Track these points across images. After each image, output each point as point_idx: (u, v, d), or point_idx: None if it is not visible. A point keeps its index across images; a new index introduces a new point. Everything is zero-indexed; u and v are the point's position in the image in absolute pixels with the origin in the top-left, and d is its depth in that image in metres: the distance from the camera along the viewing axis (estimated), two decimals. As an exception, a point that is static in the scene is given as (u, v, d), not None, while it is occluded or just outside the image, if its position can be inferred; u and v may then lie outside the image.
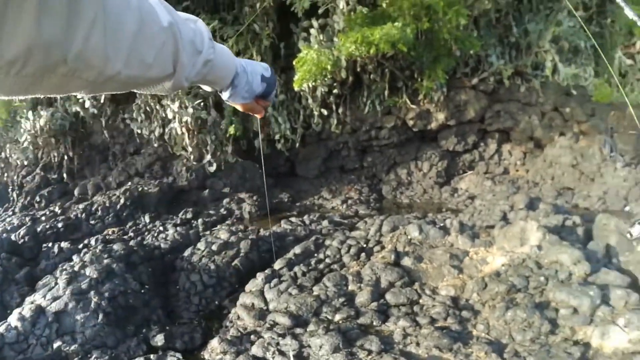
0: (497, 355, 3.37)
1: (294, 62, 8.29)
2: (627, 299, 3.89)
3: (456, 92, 10.38)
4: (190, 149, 9.08)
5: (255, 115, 1.14)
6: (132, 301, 4.74)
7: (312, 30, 8.85)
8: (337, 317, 4.04)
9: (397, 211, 8.51)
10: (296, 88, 8.50)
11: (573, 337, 3.62)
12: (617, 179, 9.37)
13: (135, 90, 0.75)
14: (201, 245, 5.93)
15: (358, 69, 9.49)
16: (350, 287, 4.57)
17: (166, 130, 9.13)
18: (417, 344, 3.56)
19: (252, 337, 3.95)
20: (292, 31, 9.20)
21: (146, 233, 7.01)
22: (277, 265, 5.17)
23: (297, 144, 9.82)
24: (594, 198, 8.95)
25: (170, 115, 8.89)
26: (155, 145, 9.39)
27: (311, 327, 3.89)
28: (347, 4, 8.70)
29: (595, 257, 4.86)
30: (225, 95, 1.02)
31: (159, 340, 4.31)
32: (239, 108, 1.09)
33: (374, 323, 3.97)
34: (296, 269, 5.03)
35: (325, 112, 9.74)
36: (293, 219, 7.29)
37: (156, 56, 0.68)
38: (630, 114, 10.74)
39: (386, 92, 9.79)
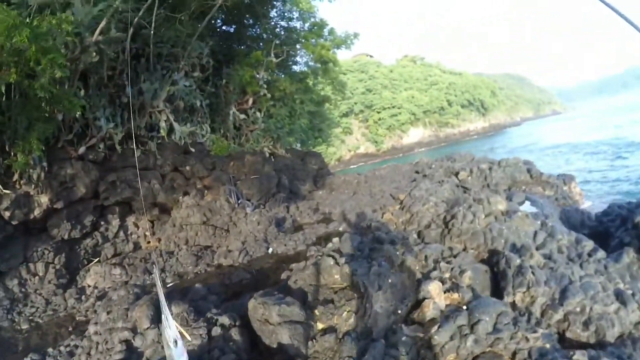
0: None
1: None
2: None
3: (60, 165, 8.13)
4: None
5: None
6: None
7: None
8: None
9: (19, 351, 5.83)
10: None
11: None
12: (251, 224, 9.77)
13: None
14: None
15: None
16: None
17: None
18: None
19: None
20: None
21: None
22: None
23: None
24: (235, 252, 8.92)
25: None
26: None
27: None
28: None
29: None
30: None
31: None
32: None
33: None
34: None
35: None
36: None
37: None
38: (248, 160, 11.77)
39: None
